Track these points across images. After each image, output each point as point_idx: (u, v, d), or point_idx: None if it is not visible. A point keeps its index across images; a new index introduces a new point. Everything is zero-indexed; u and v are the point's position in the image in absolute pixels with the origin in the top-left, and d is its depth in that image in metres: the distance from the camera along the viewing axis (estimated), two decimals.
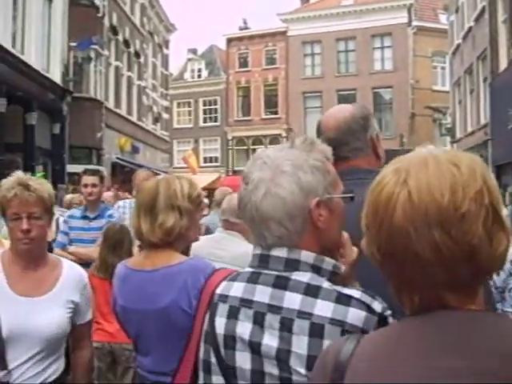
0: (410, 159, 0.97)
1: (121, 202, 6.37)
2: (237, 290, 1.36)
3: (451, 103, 23.74)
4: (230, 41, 37.61)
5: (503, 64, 15.59)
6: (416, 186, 0.91)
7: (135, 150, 22.80)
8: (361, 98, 33.37)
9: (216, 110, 37.88)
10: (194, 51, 41.25)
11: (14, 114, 12.40)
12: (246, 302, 1.32)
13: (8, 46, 11.74)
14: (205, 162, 36.65)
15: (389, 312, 1.23)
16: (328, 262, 1.32)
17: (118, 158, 20.08)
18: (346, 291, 1.26)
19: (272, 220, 1.29)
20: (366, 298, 1.24)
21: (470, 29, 19.37)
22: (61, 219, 5.36)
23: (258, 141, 35.67)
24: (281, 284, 1.29)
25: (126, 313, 2.19)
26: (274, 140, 35.17)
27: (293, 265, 1.30)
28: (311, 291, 1.26)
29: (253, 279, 1.33)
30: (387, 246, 0.95)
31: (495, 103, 15.89)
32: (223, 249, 3.42)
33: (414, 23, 33.08)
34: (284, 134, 34.86)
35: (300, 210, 1.28)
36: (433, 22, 33.58)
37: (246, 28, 38.58)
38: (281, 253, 1.30)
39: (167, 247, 2.14)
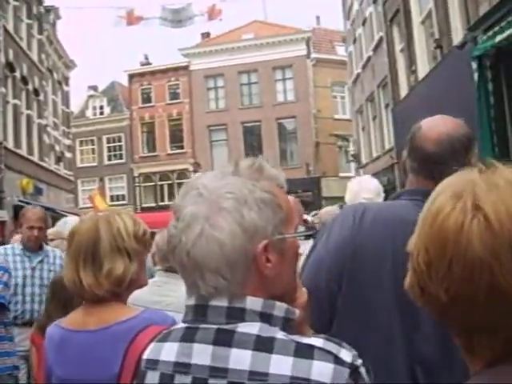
0: (463, 181, 0.79)
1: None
2: (169, 352, 1.07)
3: (355, 130, 24.47)
4: (131, 76, 37.20)
5: (404, 90, 16.17)
6: (493, 210, 0.74)
7: (38, 191, 21.73)
8: (265, 129, 33.92)
9: (120, 147, 37.14)
10: (94, 88, 40.42)
11: None
12: (182, 367, 1.04)
13: None
14: (112, 200, 35.65)
15: (360, 361, 0.99)
16: (280, 308, 1.05)
17: (20, 201, 19.01)
18: (306, 340, 1.01)
19: (206, 268, 1.02)
20: (332, 347, 1.00)
21: (368, 58, 20.10)
22: None
23: (165, 176, 35.26)
24: (224, 340, 1.01)
25: None
26: (182, 175, 34.93)
27: (237, 315, 1.03)
28: (263, 345, 1.00)
29: (188, 337, 1.05)
30: (461, 287, 0.75)
31: (398, 128, 16.42)
32: (168, 295, 3.03)
33: (313, 55, 34.22)
34: (191, 169, 34.63)
35: (242, 256, 1.01)
36: (330, 53, 34.88)
37: (148, 63, 38.30)
38: (221, 302, 1.04)
39: (113, 299, 1.79)
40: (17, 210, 18.70)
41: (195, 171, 34.33)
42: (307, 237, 1.15)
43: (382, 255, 1.63)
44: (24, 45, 21.32)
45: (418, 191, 1.67)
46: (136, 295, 3.06)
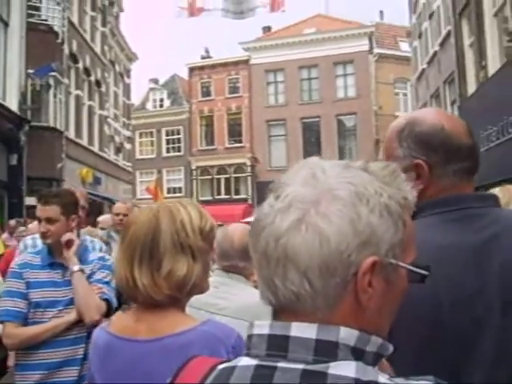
0: None
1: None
2: None
3: None
4: (192, 70, 37.33)
5: (471, 87, 15.50)
6: None
7: (97, 181, 22.02)
8: (325, 125, 33.44)
9: (179, 139, 37.37)
10: (155, 81, 40.84)
11: None
12: None
13: None
14: (168, 192, 35.89)
15: None
16: (374, 342, 0.77)
17: None
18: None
19: (294, 264, 0.75)
20: None
21: (435, 53, 19.38)
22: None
23: (222, 170, 35.25)
24: None
25: None
26: (239, 169, 34.84)
27: (327, 350, 0.74)
28: None
29: (262, 380, 0.75)
30: None
31: None
32: (225, 298, 2.70)
33: (376, 51, 33.45)
34: (248, 163, 34.53)
35: (343, 264, 0.74)
36: (393, 49, 34.04)
37: (208, 57, 38.37)
38: (307, 331, 0.75)
39: (170, 305, 1.52)
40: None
41: (253, 166, 34.25)
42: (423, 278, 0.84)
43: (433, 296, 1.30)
44: (88, 37, 21.60)
45: (447, 200, 1.40)
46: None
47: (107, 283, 2.96)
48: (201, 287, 1.60)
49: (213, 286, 2.79)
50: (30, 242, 4.39)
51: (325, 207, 0.75)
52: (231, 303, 2.61)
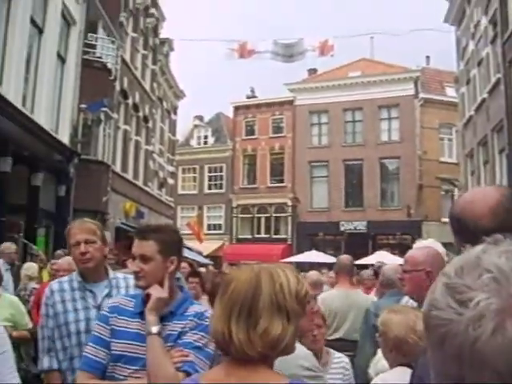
0: None
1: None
2: None
3: (463, 174, 23.39)
4: (237, 108, 37.84)
5: None
6: None
7: (140, 215, 22.29)
8: (368, 169, 33.29)
9: (221, 177, 37.70)
10: (200, 118, 41.50)
11: (20, 175, 11.94)
12: None
13: (18, 104, 11.41)
14: (208, 229, 36.11)
15: None
16: None
17: (122, 223, 19.54)
18: None
19: (491, 369, 0.77)
20: None
21: (483, 100, 19.21)
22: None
23: (263, 209, 35.31)
24: None
25: None
26: (280, 209, 34.85)
27: None
28: None
29: None
30: None
31: None
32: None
33: (421, 95, 33.35)
34: (289, 203, 34.52)
35: None
36: (439, 94, 33.88)
37: (254, 96, 38.86)
38: None
39: (261, 362, 1.56)
40: (118, 232, 19.23)
41: (293, 206, 34.21)
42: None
43: None
44: (138, 74, 22.17)
45: None
46: None
47: (198, 348, 2.42)
48: (291, 348, 1.62)
49: None
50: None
51: None
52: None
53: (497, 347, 0.76)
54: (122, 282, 3.35)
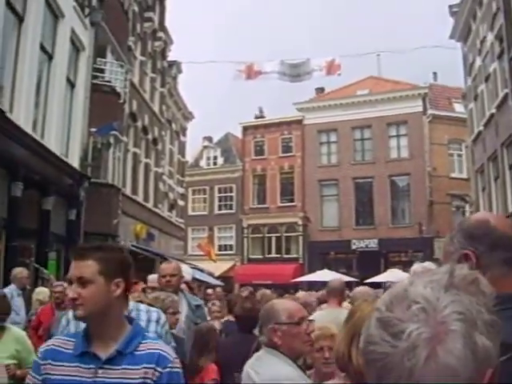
0: None
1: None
2: None
3: (473, 190, 23.28)
4: (245, 129, 38.00)
5: None
6: None
7: (151, 237, 22.32)
8: (377, 186, 33.23)
9: (231, 197, 37.74)
10: (209, 139, 41.68)
11: (30, 199, 12.01)
12: None
13: (29, 129, 11.51)
14: (219, 249, 36.06)
15: None
16: None
17: (133, 246, 19.56)
18: None
19: None
20: None
21: (491, 116, 19.17)
22: None
23: (273, 229, 35.24)
24: None
25: None
26: (291, 228, 34.78)
27: None
28: None
29: None
30: None
31: None
32: (256, 371, 2.88)
33: (430, 111, 33.36)
34: (300, 222, 34.45)
35: None
36: (448, 110, 33.86)
37: (262, 116, 39.02)
38: None
39: None
40: (130, 255, 19.23)
41: (304, 225, 34.13)
42: None
43: None
44: (147, 97, 22.36)
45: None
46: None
47: None
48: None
49: (256, 357, 2.92)
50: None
51: (445, 343, 0.81)
52: (260, 376, 2.82)
53: (432, 374, 0.79)
54: (144, 315, 3.20)
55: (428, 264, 4.75)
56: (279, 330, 2.86)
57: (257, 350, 4.78)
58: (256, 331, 5.58)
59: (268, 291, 9.27)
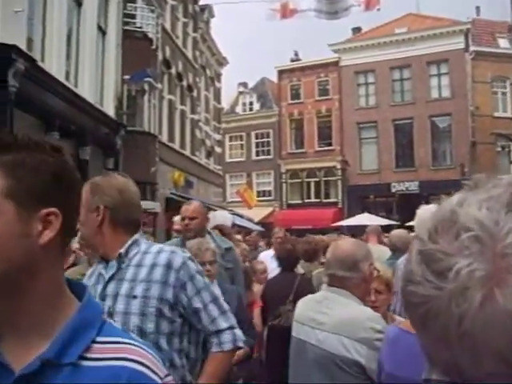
0: None
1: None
2: None
3: None
4: (281, 73, 37.30)
5: None
6: None
7: (189, 184, 22.36)
8: (418, 127, 32.46)
9: (268, 143, 37.45)
10: (244, 85, 41.17)
11: (67, 149, 12.00)
12: None
13: (62, 79, 11.43)
14: (258, 195, 36.01)
15: None
16: None
17: (172, 193, 19.63)
18: None
19: (485, 349, 0.60)
20: None
21: None
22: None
23: (312, 173, 34.96)
24: None
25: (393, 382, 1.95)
26: (329, 172, 34.46)
27: None
28: None
29: None
30: None
31: None
32: (325, 312, 2.70)
33: (472, 48, 32.04)
34: (339, 166, 34.06)
35: None
36: (491, 46, 32.51)
37: (298, 60, 38.21)
38: None
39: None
40: (169, 203, 19.33)
41: (343, 169, 33.75)
42: None
43: None
44: (180, 42, 22.00)
45: None
46: (298, 310, 2.98)
47: None
48: None
49: (316, 301, 2.75)
50: None
51: (505, 283, 0.60)
52: (330, 318, 2.64)
53: (488, 324, 0.60)
54: (150, 258, 2.35)
55: (433, 206, 4.43)
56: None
57: (298, 285, 5.26)
58: (298, 270, 5.84)
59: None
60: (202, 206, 4.79)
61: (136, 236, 2.40)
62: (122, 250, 2.34)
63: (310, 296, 3.06)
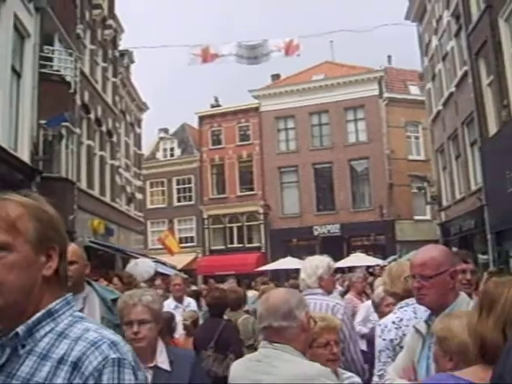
0: None
1: None
2: None
3: (434, 170, 23.28)
4: (202, 118, 37.35)
5: (493, 126, 15.12)
6: None
7: (109, 232, 21.57)
8: (337, 171, 33.14)
9: (190, 188, 37.09)
10: (165, 130, 40.92)
11: None
12: None
13: None
14: (180, 242, 35.30)
15: None
16: None
17: (91, 242, 18.81)
18: None
19: None
20: None
21: (450, 95, 19.10)
22: None
23: (234, 218, 34.81)
24: None
25: None
26: (251, 217, 34.42)
27: None
28: None
29: None
30: None
31: (488, 167, 15.30)
32: (270, 372, 2.39)
33: (386, 95, 33.38)
34: (261, 211, 34.12)
35: None
36: (403, 93, 33.99)
37: (218, 105, 38.40)
38: None
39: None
40: (88, 251, 18.52)
41: (265, 213, 33.78)
42: None
43: None
44: (99, 87, 21.53)
45: None
46: (233, 372, 2.64)
47: None
48: None
49: (255, 360, 2.43)
50: None
51: None
52: (278, 378, 2.35)
53: None
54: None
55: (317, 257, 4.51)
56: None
57: (222, 330, 5.56)
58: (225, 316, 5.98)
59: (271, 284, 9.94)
60: (82, 250, 4.01)
61: (58, 301, 1.39)
62: (23, 327, 1.33)
63: (246, 356, 2.79)
